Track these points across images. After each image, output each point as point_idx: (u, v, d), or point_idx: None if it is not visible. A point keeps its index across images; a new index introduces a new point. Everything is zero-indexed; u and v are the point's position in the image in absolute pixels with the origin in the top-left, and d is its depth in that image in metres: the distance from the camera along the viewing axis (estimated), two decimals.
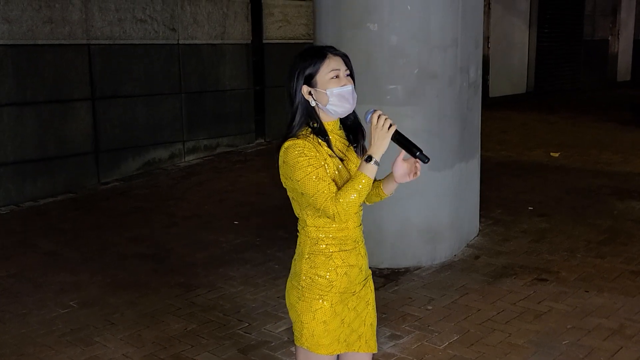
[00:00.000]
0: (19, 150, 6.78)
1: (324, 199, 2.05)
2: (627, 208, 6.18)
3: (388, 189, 2.27)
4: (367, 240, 5.11)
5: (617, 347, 3.60)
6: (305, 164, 2.05)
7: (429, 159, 2.10)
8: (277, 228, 5.80)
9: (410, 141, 2.12)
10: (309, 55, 2.14)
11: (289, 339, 3.79)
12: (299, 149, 2.07)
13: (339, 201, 2.04)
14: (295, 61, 2.16)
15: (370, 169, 2.06)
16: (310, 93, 2.13)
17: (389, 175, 2.24)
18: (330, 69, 2.11)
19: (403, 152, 2.16)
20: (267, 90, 9.27)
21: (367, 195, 2.14)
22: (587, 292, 4.33)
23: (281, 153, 2.12)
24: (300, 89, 2.13)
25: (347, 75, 2.15)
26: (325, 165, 2.10)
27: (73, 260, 5.13)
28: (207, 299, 4.36)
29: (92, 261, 5.10)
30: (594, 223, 5.75)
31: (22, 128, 6.78)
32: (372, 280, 2.36)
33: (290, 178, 2.10)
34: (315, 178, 2.05)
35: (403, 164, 2.18)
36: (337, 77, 2.12)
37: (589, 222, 5.78)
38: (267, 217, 6.18)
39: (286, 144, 2.11)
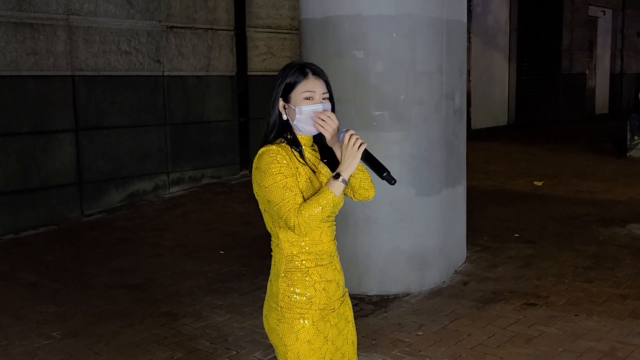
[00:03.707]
0: (1, 182, 6.69)
1: (287, 209, 2.03)
2: (611, 234, 6.22)
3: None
4: (356, 267, 5.05)
5: None
6: (275, 171, 2.06)
7: (395, 181, 2.10)
8: (263, 258, 5.70)
9: (378, 161, 2.12)
10: (292, 71, 2.16)
11: None
12: (272, 155, 2.08)
13: (301, 213, 2.02)
14: (279, 73, 2.18)
15: (337, 186, 2.06)
16: (284, 107, 2.16)
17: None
18: (305, 90, 2.13)
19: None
20: (251, 122, 9.28)
21: (334, 208, 2.09)
22: (577, 315, 4.32)
23: (255, 159, 2.12)
24: (277, 102, 2.16)
25: (325, 99, 2.15)
26: (297, 173, 2.10)
27: (56, 291, 5.03)
28: (193, 328, 4.28)
29: (75, 292, 4.99)
30: (580, 249, 5.77)
31: (4, 159, 6.71)
32: (349, 297, 2.33)
33: (259, 184, 2.09)
34: (283, 187, 2.05)
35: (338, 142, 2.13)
36: (310, 99, 2.13)
37: (575, 248, 5.80)
38: (253, 247, 6.13)
39: (261, 150, 2.12)
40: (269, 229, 2.19)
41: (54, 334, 4.22)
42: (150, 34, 7.94)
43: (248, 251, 5.99)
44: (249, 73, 9.18)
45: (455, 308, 4.51)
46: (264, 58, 9.39)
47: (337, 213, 2.20)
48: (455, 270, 5.20)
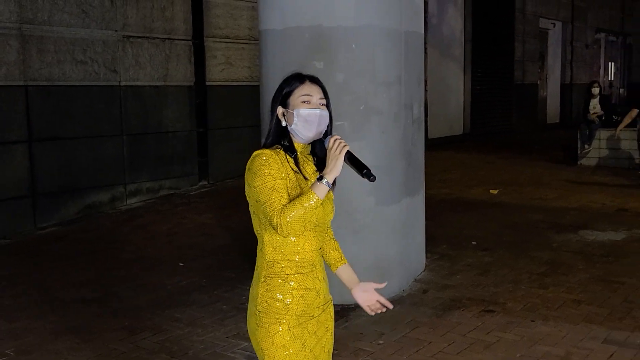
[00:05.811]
0: None
1: (272, 208, 2.09)
2: (564, 241, 6.39)
3: (340, 275, 2.42)
4: None
5: None
6: (265, 173, 2.12)
7: (375, 177, 2.13)
8: (223, 269, 5.71)
9: (360, 161, 2.17)
10: (291, 78, 2.25)
11: None
12: (265, 158, 2.14)
13: (284, 213, 2.07)
14: (280, 82, 2.27)
15: (321, 189, 2.10)
16: (283, 114, 2.22)
17: (350, 280, 2.42)
18: (302, 93, 2.20)
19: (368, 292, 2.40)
20: (210, 132, 9.23)
21: (315, 218, 2.14)
22: (533, 321, 4.41)
23: (249, 161, 2.18)
24: (276, 109, 2.24)
25: (322, 105, 2.21)
26: (288, 179, 2.15)
27: (8, 307, 4.89)
28: (153, 342, 4.22)
29: (29, 308, 4.86)
30: (534, 255, 5.90)
31: None
32: (332, 306, 2.35)
33: (250, 185, 2.16)
34: (271, 188, 2.10)
35: (362, 295, 2.41)
36: (307, 102, 2.19)
37: (530, 254, 5.94)
38: (213, 258, 6.08)
39: (255, 152, 2.18)
40: (255, 232, 2.25)
41: (7, 351, 4.10)
42: (106, 44, 7.83)
43: (208, 263, 5.94)
44: (207, 83, 9.13)
45: (415, 316, 4.56)
46: (223, 68, 9.36)
47: (327, 224, 2.26)
48: (415, 279, 5.26)
